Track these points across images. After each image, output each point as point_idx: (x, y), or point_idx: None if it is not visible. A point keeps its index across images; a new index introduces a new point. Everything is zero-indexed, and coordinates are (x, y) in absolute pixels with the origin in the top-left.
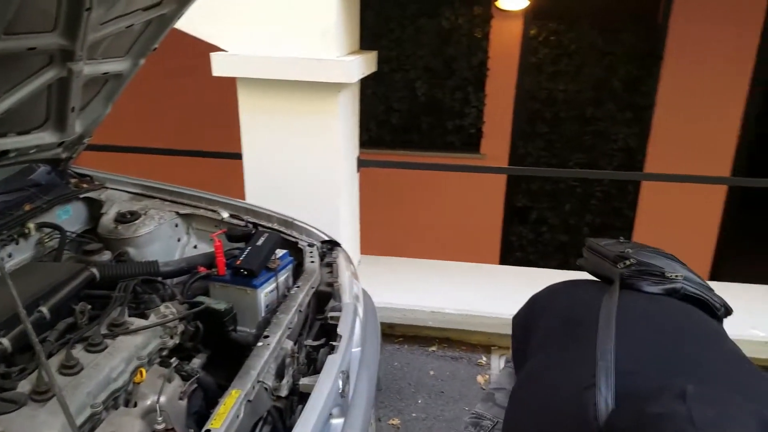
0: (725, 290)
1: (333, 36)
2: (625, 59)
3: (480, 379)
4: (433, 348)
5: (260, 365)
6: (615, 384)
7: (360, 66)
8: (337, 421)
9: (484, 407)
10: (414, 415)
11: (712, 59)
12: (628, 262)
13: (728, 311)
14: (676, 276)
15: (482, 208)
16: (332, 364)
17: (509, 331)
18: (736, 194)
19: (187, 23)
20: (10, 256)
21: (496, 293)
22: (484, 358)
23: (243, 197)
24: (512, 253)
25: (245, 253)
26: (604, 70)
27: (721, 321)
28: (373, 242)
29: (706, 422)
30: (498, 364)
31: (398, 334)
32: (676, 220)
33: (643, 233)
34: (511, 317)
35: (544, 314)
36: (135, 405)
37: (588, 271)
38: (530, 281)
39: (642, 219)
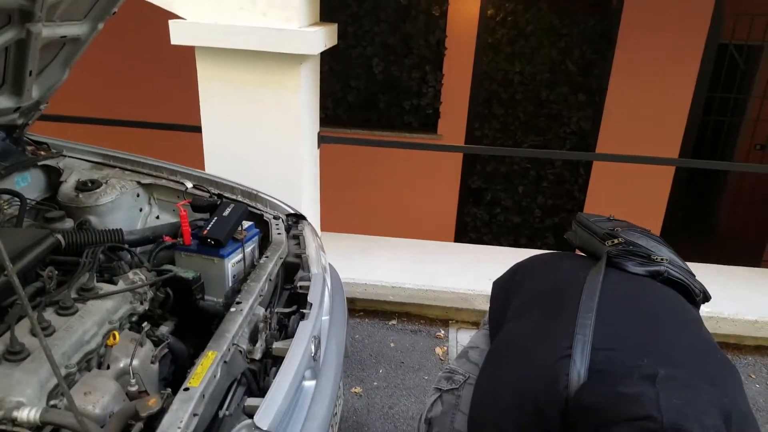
0: None
1: (294, 6)
2: (580, 41)
3: (438, 350)
4: (393, 322)
5: (235, 329)
6: (590, 358)
7: (322, 38)
8: (309, 383)
9: (458, 363)
10: (375, 384)
11: (664, 43)
12: (616, 241)
13: (707, 297)
14: (661, 259)
15: (438, 189)
16: (304, 330)
17: (466, 305)
18: (683, 176)
19: None
20: None
21: (453, 269)
22: (442, 332)
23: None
24: (467, 233)
25: (212, 222)
26: (560, 53)
27: (698, 306)
28: (331, 220)
29: (671, 407)
30: (455, 336)
31: (359, 309)
32: (625, 203)
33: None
34: (468, 292)
35: (527, 281)
36: (108, 367)
37: (575, 246)
38: (485, 258)
39: (591, 201)
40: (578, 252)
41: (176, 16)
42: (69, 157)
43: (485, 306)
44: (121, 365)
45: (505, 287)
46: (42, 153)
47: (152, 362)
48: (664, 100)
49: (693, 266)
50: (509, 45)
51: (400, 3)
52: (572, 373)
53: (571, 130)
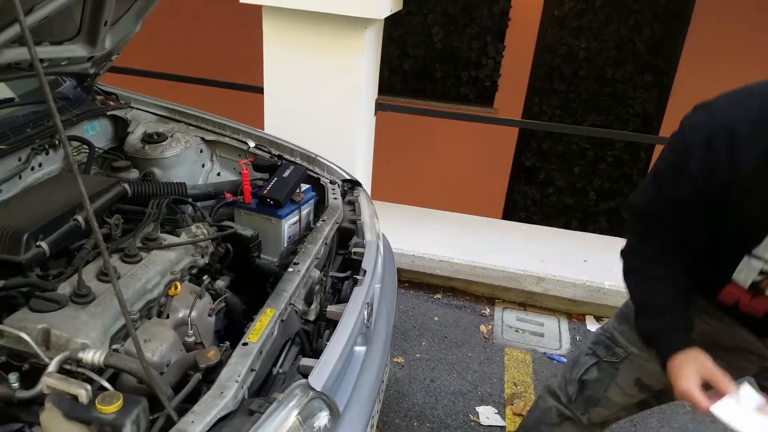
0: None
1: None
2: (651, 19)
3: (483, 328)
4: (438, 296)
5: (292, 289)
6: None
7: (388, 2)
8: (360, 349)
9: (619, 328)
10: (418, 356)
11: (740, 26)
12: None
13: None
14: None
15: (490, 164)
16: (358, 295)
17: (513, 285)
18: None
19: None
20: (40, 165)
21: (502, 247)
22: (488, 309)
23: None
24: (516, 212)
25: (272, 183)
26: (629, 30)
27: None
28: (380, 189)
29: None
30: (501, 315)
31: (405, 280)
32: None
33: None
34: (517, 272)
35: None
36: (168, 317)
37: None
38: (535, 238)
39: None
40: None
41: None
42: (136, 108)
43: (534, 287)
44: (180, 315)
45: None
46: (111, 103)
47: (209, 315)
48: (737, 83)
49: None
50: (576, 19)
51: None
52: None
53: (635, 111)
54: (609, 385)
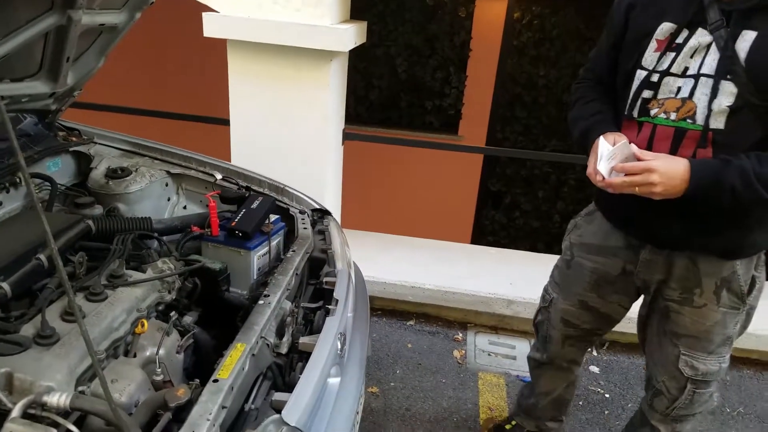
0: None
1: (328, 3)
2: None
3: (456, 353)
4: (411, 322)
5: (263, 321)
6: None
7: (353, 35)
8: (334, 380)
9: (549, 282)
10: (392, 384)
11: None
12: None
13: None
14: None
15: (457, 190)
16: (331, 326)
17: (484, 309)
18: None
19: None
20: (1, 204)
21: (473, 271)
22: (460, 334)
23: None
24: (484, 236)
25: (240, 214)
26: (584, 57)
27: None
28: (349, 217)
29: None
30: (473, 340)
31: (377, 308)
32: None
33: None
34: (488, 295)
35: None
36: (135, 355)
37: None
38: (505, 261)
39: None
40: None
41: (209, 9)
42: (100, 144)
43: (505, 310)
44: (148, 354)
45: None
46: (73, 139)
47: (177, 352)
48: None
49: None
50: (534, 48)
51: (425, 3)
52: None
53: None
54: (548, 325)
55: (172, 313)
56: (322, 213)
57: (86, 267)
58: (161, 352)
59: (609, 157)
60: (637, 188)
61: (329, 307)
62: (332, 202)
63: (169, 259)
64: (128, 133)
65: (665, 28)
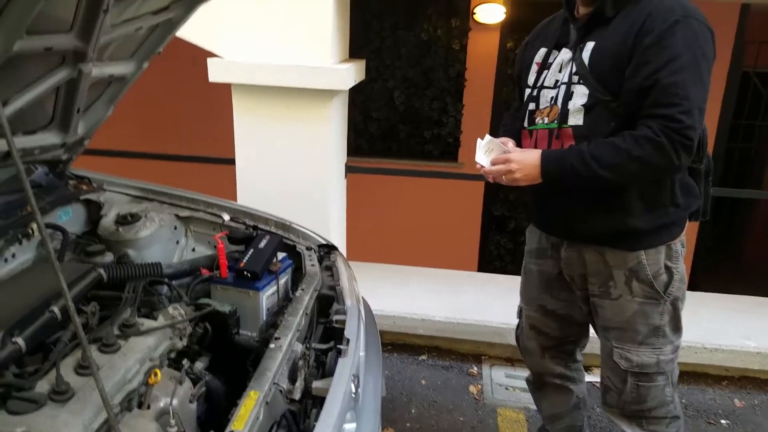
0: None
1: (328, 44)
2: None
3: (472, 389)
4: (423, 357)
5: (275, 367)
6: None
7: (353, 73)
8: (350, 426)
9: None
10: (408, 425)
11: None
12: None
13: None
14: None
15: (461, 217)
16: (344, 368)
17: (498, 340)
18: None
19: (184, 29)
20: (13, 256)
21: (484, 301)
22: (475, 368)
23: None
24: (491, 262)
25: (248, 255)
26: None
27: None
28: (353, 248)
29: None
30: (489, 373)
31: (387, 342)
32: None
33: None
34: (501, 326)
35: None
36: (148, 407)
37: None
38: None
39: None
40: None
41: (213, 55)
42: (109, 191)
43: None
44: (161, 405)
45: None
46: (84, 187)
47: (190, 401)
48: None
49: (724, 297)
50: None
51: (420, 38)
52: None
53: None
54: (523, 336)
55: (184, 361)
56: (329, 248)
57: (98, 316)
58: (174, 402)
59: (485, 150)
60: (504, 177)
61: (341, 347)
62: (337, 235)
63: (180, 305)
64: (136, 178)
65: (541, 52)
